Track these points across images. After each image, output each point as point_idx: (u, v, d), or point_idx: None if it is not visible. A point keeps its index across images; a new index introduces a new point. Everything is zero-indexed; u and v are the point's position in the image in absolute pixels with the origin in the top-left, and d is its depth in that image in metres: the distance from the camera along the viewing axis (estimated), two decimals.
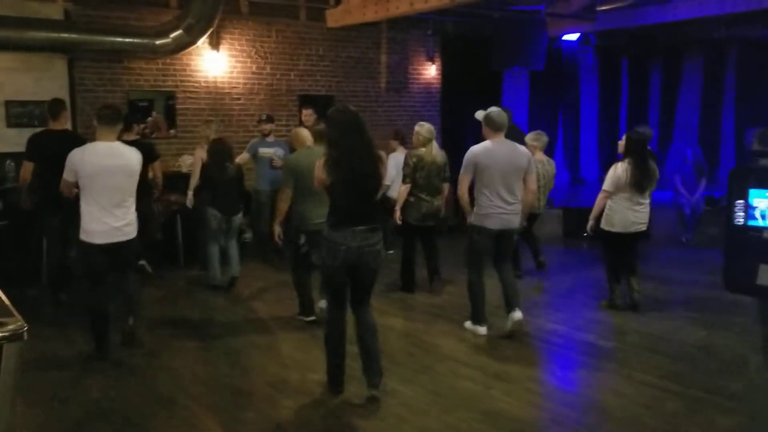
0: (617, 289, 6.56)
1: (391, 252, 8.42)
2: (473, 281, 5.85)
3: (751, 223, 2.75)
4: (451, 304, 6.75)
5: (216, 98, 9.59)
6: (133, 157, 5.09)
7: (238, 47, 9.75)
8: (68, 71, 8.38)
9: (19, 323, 2.34)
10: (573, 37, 12.65)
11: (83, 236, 4.97)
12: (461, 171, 5.64)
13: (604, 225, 6.39)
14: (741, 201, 2.76)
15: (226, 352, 5.48)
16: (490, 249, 5.74)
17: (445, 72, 11.90)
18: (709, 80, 12.82)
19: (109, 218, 4.94)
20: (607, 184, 6.32)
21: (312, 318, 6.13)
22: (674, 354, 5.38)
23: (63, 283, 6.65)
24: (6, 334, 2.29)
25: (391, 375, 4.84)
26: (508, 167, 5.55)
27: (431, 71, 11.83)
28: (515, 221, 5.70)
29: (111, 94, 8.73)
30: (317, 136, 6.11)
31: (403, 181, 6.79)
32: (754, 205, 2.74)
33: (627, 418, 4.23)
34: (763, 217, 2.72)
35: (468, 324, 5.95)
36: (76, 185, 4.99)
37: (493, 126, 5.60)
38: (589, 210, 6.61)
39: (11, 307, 2.49)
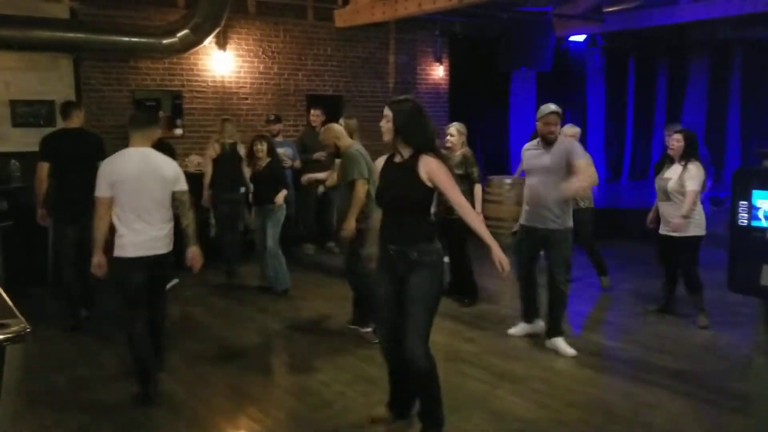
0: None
1: None
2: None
3: (755, 224, 2.75)
4: (453, 304, 6.75)
5: (223, 98, 9.62)
6: (165, 164, 4.57)
7: (246, 47, 9.78)
8: (74, 71, 8.42)
9: (22, 325, 2.32)
10: (580, 38, 12.63)
11: (117, 251, 4.41)
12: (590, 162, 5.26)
13: (698, 231, 6.02)
14: (744, 202, 2.76)
15: (233, 353, 5.49)
16: None
17: (452, 72, 11.92)
18: (715, 81, 12.79)
19: (145, 227, 4.42)
20: (697, 184, 5.89)
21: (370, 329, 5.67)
22: (680, 354, 5.37)
23: (83, 299, 6.16)
24: (9, 335, 2.26)
25: None
26: None
27: (439, 72, 11.84)
28: None
29: (117, 93, 8.78)
30: (352, 131, 5.97)
31: (477, 181, 6.54)
32: (758, 206, 2.74)
33: (632, 418, 4.23)
34: (766, 218, 2.72)
35: (560, 342, 5.45)
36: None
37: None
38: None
39: (14, 309, 2.48)
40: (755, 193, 2.73)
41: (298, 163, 8.63)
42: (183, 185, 4.62)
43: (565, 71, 12.71)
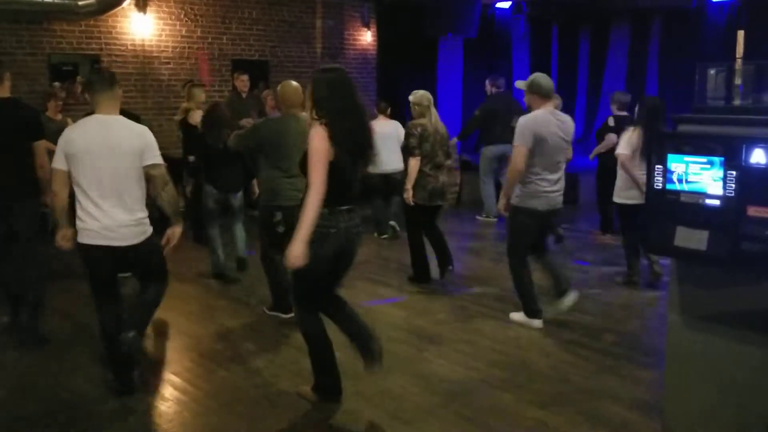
0: (637, 266, 6.28)
1: (386, 237, 8.09)
2: (520, 269, 5.23)
3: (669, 187, 2.85)
4: (388, 269, 6.81)
5: (144, 62, 9.32)
6: (128, 135, 3.93)
7: (167, 9, 9.48)
8: None
9: None
10: (506, 5, 12.74)
11: (78, 236, 3.94)
12: (516, 140, 4.95)
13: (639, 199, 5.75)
14: (660, 166, 2.86)
15: (155, 325, 5.40)
16: (534, 233, 5.18)
17: (380, 38, 11.86)
18: (634, 50, 13.12)
19: (100, 213, 3.85)
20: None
21: (291, 315, 4.97)
22: (599, 313, 5.58)
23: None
24: None
25: None
26: (560, 141, 5.05)
27: (367, 37, 11.76)
28: (560, 201, 5.20)
29: (31, 57, 8.42)
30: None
31: (412, 154, 6.07)
32: (672, 169, 2.84)
33: (554, 376, 4.38)
34: (680, 181, 2.83)
35: (519, 316, 5.32)
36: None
37: (542, 92, 5.03)
38: None
39: None
40: (670, 157, 2.83)
41: None
42: (153, 158, 3.96)
43: (491, 38, 12.82)
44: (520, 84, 5.29)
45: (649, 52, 12.75)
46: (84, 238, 3.89)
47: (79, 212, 3.90)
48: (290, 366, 4.50)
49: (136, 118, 4.89)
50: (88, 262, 3.96)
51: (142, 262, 4.08)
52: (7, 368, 4.50)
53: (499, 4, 12.58)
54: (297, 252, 3.51)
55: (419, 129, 6.07)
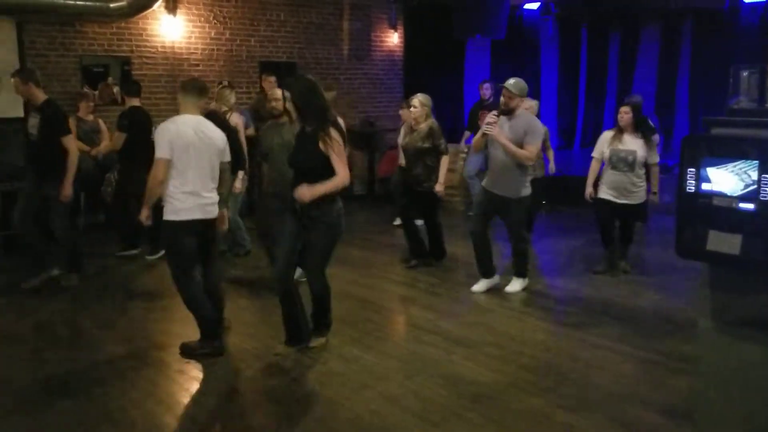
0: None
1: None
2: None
3: (702, 190, 2.81)
4: (415, 270, 6.80)
5: (174, 64, 9.41)
6: (217, 134, 4.71)
7: (196, 11, 9.56)
8: (17, 34, 8.12)
9: None
10: (534, 6, 12.65)
11: (170, 215, 4.53)
12: (538, 142, 5.80)
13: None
14: (692, 169, 2.82)
15: (184, 322, 5.45)
16: None
17: (407, 40, 11.84)
18: (665, 50, 12.96)
19: (199, 192, 4.58)
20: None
21: None
22: (628, 317, 5.52)
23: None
24: None
25: (353, 342, 4.90)
26: None
27: (394, 39, 11.76)
28: None
29: (63, 59, 8.53)
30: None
31: (444, 152, 6.71)
32: (705, 172, 2.80)
33: (582, 380, 4.34)
34: (712, 184, 2.78)
35: (518, 281, 6.18)
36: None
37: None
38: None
39: None
40: (702, 160, 2.79)
41: (251, 131, 8.51)
42: (228, 156, 4.80)
43: (519, 39, 12.72)
44: (514, 87, 5.66)
45: (681, 53, 12.58)
46: (182, 215, 4.49)
47: (177, 194, 4.48)
48: (320, 367, 4.52)
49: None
50: (184, 235, 4.53)
51: (212, 232, 4.76)
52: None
53: (527, 5, 12.49)
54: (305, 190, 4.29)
55: (438, 130, 6.75)
